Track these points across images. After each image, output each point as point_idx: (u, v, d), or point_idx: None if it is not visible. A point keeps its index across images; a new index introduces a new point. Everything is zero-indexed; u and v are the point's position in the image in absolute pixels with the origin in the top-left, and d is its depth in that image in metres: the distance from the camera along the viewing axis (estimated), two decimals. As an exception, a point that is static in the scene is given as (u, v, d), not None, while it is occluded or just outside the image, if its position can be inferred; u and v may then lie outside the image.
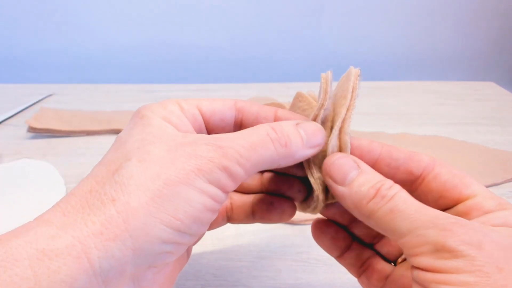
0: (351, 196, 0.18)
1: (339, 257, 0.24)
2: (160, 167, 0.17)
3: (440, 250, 0.15)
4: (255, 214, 0.24)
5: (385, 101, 0.67)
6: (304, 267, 0.32)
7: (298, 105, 0.23)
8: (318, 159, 0.21)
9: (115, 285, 0.16)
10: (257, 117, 0.22)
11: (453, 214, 0.17)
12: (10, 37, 0.80)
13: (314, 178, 0.21)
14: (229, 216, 0.25)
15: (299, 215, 0.28)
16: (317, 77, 0.22)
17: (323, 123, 0.21)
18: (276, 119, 0.22)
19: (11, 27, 0.79)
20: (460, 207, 0.19)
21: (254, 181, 0.25)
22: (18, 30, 0.80)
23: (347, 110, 0.20)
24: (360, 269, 0.23)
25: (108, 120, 0.56)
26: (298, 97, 0.23)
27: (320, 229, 0.24)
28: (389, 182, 0.18)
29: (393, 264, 0.23)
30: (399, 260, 0.23)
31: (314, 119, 0.21)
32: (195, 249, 0.30)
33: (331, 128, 0.21)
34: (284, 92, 0.69)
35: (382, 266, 0.23)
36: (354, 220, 0.23)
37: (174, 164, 0.17)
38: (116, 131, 0.54)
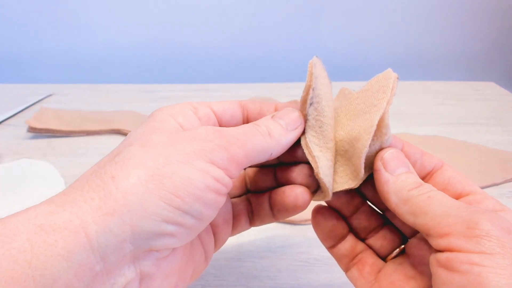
0: (395, 183, 0.20)
1: (333, 247, 0.24)
2: (160, 149, 0.18)
3: (473, 228, 0.16)
4: (273, 209, 0.24)
5: (385, 101, 0.67)
6: (304, 267, 0.32)
7: (340, 99, 0.25)
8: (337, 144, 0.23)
9: (113, 263, 0.16)
10: (260, 111, 0.24)
11: None
12: (10, 37, 0.80)
13: (312, 156, 0.22)
14: (251, 218, 0.26)
15: (299, 215, 0.29)
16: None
17: (318, 103, 0.22)
18: (276, 110, 0.24)
19: (11, 27, 0.79)
20: (462, 201, 0.19)
21: (268, 177, 0.25)
22: (18, 30, 0.80)
23: (387, 103, 0.21)
24: (351, 262, 0.24)
25: (108, 120, 0.56)
26: (341, 92, 0.25)
27: (323, 215, 0.24)
28: (430, 185, 0.20)
29: (383, 260, 0.24)
30: (392, 255, 0.23)
31: (305, 99, 0.22)
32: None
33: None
34: (284, 92, 0.68)
35: (375, 260, 0.23)
36: (356, 211, 0.24)
37: (174, 146, 0.18)
38: (116, 131, 0.54)
